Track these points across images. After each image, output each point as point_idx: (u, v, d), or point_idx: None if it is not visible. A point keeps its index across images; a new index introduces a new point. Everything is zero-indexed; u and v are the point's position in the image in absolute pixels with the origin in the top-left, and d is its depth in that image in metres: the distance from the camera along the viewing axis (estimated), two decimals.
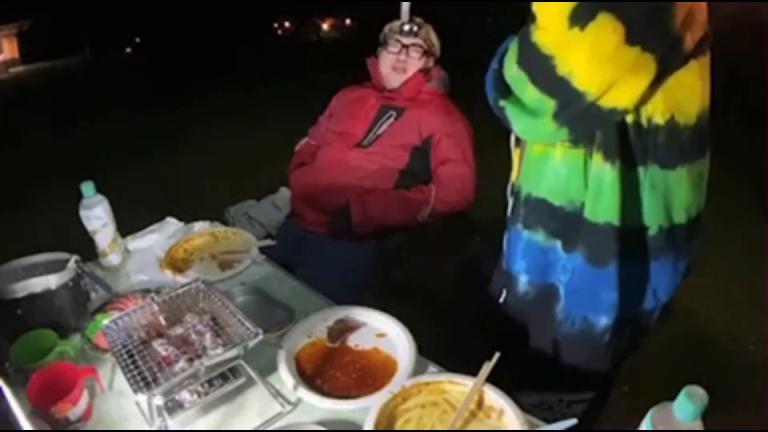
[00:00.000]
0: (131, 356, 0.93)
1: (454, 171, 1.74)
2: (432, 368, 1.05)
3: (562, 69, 0.86)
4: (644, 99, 0.90)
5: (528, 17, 0.92)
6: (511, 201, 1.14)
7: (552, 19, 0.86)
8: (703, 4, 0.90)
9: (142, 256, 1.50)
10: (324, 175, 1.80)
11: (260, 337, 0.94)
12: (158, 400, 0.89)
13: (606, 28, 0.81)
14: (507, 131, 1.13)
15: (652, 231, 1.00)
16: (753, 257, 2.82)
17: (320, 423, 0.91)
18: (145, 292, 1.27)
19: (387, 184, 1.76)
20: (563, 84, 0.87)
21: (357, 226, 1.68)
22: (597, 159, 0.95)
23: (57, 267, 1.21)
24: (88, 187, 1.35)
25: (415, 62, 1.83)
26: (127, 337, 0.98)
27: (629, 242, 0.98)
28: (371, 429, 0.88)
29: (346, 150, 1.80)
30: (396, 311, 1.18)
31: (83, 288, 1.25)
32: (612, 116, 0.90)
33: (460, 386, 0.96)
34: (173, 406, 0.95)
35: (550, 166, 1.03)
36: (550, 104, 0.90)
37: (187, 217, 1.67)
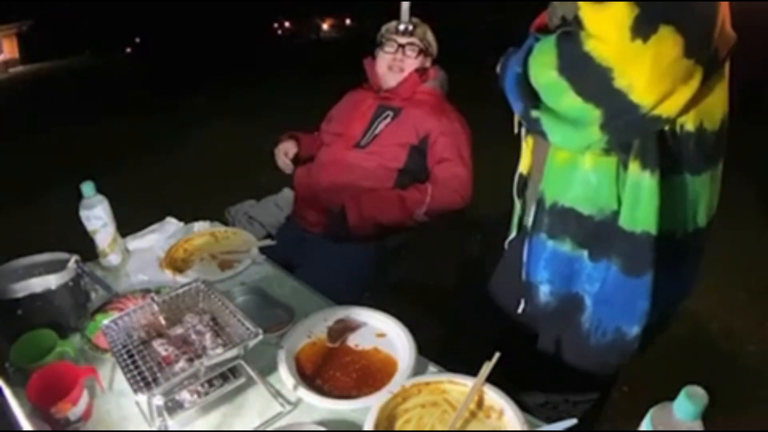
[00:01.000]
0: (131, 356, 0.93)
1: (451, 170, 1.74)
2: (432, 368, 1.05)
3: (621, 82, 0.83)
4: (686, 108, 0.89)
5: (572, 23, 0.89)
6: (533, 210, 1.09)
7: (611, 30, 0.82)
8: (728, 10, 0.89)
9: (142, 256, 1.50)
10: (323, 175, 1.80)
11: (260, 337, 0.93)
12: (158, 400, 0.89)
13: (668, 41, 0.80)
14: (511, 125, 1.12)
15: (680, 236, 1.00)
16: (753, 257, 2.82)
17: (320, 423, 0.91)
18: (145, 292, 1.27)
19: (386, 184, 1.76)
20: (618, 96, 0.84)
21: (355, 228, 1.68)
22: (634, 167, 0.93)
23: (57, 267, 1.21)
24: (88, 187, 1.35)
25: (411, 61, 1.83)
26: (127, 337, 0.98)
27: (662, 250, 0.97)
28: (371, 429, 0.87)
29: (344, 150, 1.80)
30: (396, 311, 1.18)
31: (83, 288, 1.25)
32: (657, 125, 0.89)
33: (460, 386, 0.96)
34: (173, 406, 0.95)
35: (579, 173, 0.99)
36: (595, 114, 0.87)
37: (187, 217, 1.67)
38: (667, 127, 0.91)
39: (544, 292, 1.12)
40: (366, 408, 0.92)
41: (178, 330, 1.00)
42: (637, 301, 1.01)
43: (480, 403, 0.93)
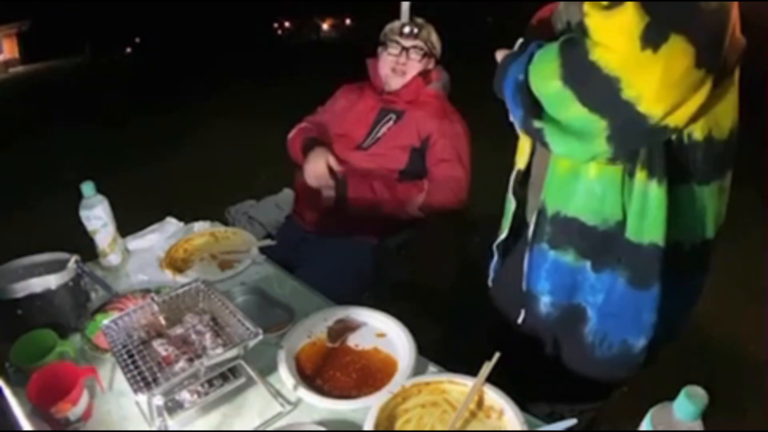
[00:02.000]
0: (131, 356, 0.93)
1: (449, 171, 1.74)
2: (432, 368, 1.05)
3: (629, 93, 0.80)
4: (695, 117, 0.86)
5: (575, 30, 0.87)
6: (534, 219, 1.07)
7: (620, 39, 0.79)
8: (737, 14, 0.86)
9: (142, 256, 1.50)
10: None
11: (260, 337, 0.94)
12: (158, 400, 0.89)
13: (678, 51, 0.77)
14: (508, 121, 1.10)
15: (687, 247, 0.98)
16: (753, 257, 2.82)
17: (320, 423, 0.91)
18: (145, 292, 1.27)
19: (386, 182, 1.76)
20: (625, 107, 0.81)
21: (352, 202, 1.67)
22: (641, 177, 0.90)
23: (57, 267, 1.21)
24: (88, 187, 1.35)
25: (414, 65, 1.83)
26: (127, 337, 0.98)
27: (670, 261, 0.95)
28: (371, 429, 0.88)
29: (346, 152, 1.80)
30: (396, 311, 1.18)
31: (83, 288, 1.25)
32: (665, 135, 0.86)
33: (460, 386, 0.96)
34: (173, 406, 0.95)
35: (582, 183, 0.97)
36: (600, 125, 0.85)
37: (187, 217, 1.67)
38: (674, 136, 0.89)
39: (544, 303, 1.09)
40: (366, 408, 0.92)
41: (178, 330, 1.00)
42: (644, 314, 0.99)
43: (480, 403, 0.93)
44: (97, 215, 1.36)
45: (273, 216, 2.02)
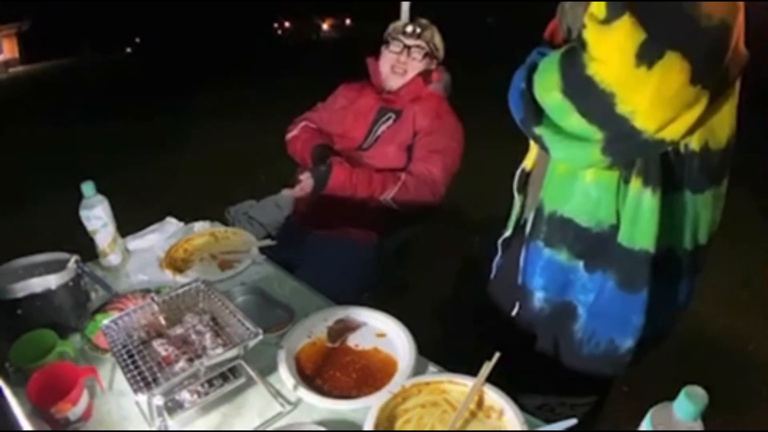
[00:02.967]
0: (131, 356, 0.93)
1: (427, 167, 1.74)
2: (432, 368, 1.05)
3: (623, 108, 0.81)
4: (692, 130, 0.87)
5: (574, 42, 0.87)
6: (531, 216, 1.09)
7: (615, 54, 0.80)
8: (742, 28, 0.85)
9: (142, 256, 1.50)
10: None
11: (260, 337, 0.93)
12: (158, 400, 0.89)
13: (674, 68, 0.77)
14: (509, 122, 1.11)
15: (679, 253, 0.99)
16: (753, 257, 2.82)
17: (320, 423, 0.91)
18: (145, 292, 1.27)
19: (386, 182, 1.76)
20: (621, 121, 0.82)
21: (334, 180, 1.70)
22: (635, 184, 0.92)
23: (57, 267, 1.21)
24: (88, 187, 1.35)
25: (416, 64, 1.82)
26: (127, 337, 0.98)
27: (660, 267, 0.97)
28: (371, 429, 0.88)
29: (346, 151, 1.80)
30: (396, 311, 1.18)
31: (83, 288, 1.25)
32: (661, 148, 0.88)
33: (460, 386, 0.96)
34: (173, 406, 0.95)
35: (579, 186, 0.99)
36: (598, 136, 0.86)
37: (187, 217, 1.67)
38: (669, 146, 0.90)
39: (538, 298, 1.12)
40: (366, 408, 0.92)
41: (178, 330, 1.00)
42: (632, 316, 1.01)
43: (480, 403, 0.93)
44: (97, 215, 1.36)
45: (273, 216, 2.02)
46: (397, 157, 1.77)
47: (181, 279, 1.35)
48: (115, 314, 1.02)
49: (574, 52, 0.86)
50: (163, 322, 1.02)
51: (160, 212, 1.67)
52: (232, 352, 0.93)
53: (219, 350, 0.93)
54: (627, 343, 1.05)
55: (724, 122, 0.93)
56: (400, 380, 0.99)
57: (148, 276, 1.40)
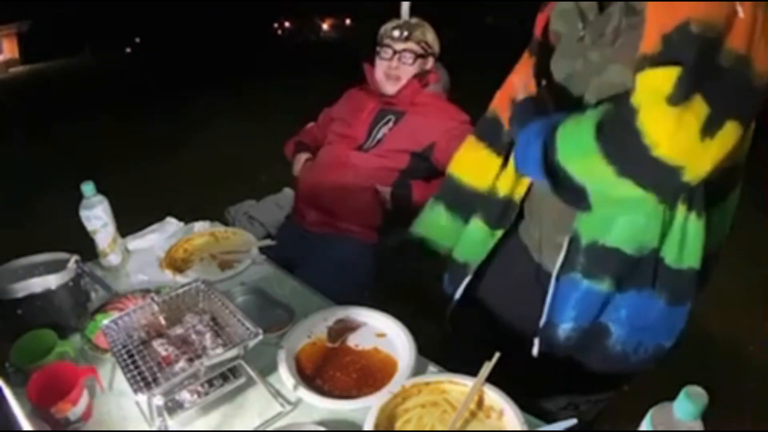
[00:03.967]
0: (131, 356, 0.93)
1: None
2: (432, 368, 1.05)
3: (689, 176, 0.81)
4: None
5: (605, 114, 0.86)
6: (563, 249, 1.05)
7: (683, 134, 0.78)
8: None
9: (142, 256, 1.50)
10: (325, 175, 1.80)
11: (260, 337, 0.94)
12: (158, 400, 0.89)
13: (732, 134, 0.79)
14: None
15: (710, 262, 1.02)
16: (753, 257, 2.82)
17: (320, 423, 0.91)
18: (145, 292, 1.27)
19: (387, 183, 1.76)
20: (681, 184, 0.83)
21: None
22: (681, 209, 0.93)
23: (57, 267, 1.21)
24: (88, 187, 1.35)
25: (408, 69, 1.79)
26: (127, 337, 0.98)
27: (701, 276, 1.00)
28: (371, 429, 0.88)
29: (347, 151, 1.80)
30: (396, 311, 1.18)
31: (83, 288, 1.25)
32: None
33: (460, 386, 0.96)
34: (173, 406, 0.95)
35: (625, 215, 0.97)
36: (651, 196, 0.88)
37: (187, 217, 1.67)
38: None
39: (564, 329, 1.08)
40: (366, 408, 0.92)
41: (178, 330, 1.00)
42: (678, 324, 1.04)
43: (480, 403, 0.93)
44: (97, 215, 1.36)
45: (273, 216, 2.02)
46: (399, 159, 1.77)
47: (181, 279, 1.35)
48: (115, 314, 1.02)
49: (621, 136, 0.84)
50: (163, 322, 1.03)
51: (160, 212, 1.67)
52: (232, 352, 0.93)
53: (219, 350, 0.93)
54: (671, 342, 1.07)
55: (747, 136, 0.95)
56: (400, 380, 0.99)
57: (148, 276, 1.40)
